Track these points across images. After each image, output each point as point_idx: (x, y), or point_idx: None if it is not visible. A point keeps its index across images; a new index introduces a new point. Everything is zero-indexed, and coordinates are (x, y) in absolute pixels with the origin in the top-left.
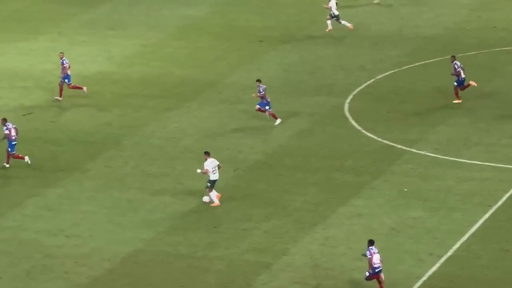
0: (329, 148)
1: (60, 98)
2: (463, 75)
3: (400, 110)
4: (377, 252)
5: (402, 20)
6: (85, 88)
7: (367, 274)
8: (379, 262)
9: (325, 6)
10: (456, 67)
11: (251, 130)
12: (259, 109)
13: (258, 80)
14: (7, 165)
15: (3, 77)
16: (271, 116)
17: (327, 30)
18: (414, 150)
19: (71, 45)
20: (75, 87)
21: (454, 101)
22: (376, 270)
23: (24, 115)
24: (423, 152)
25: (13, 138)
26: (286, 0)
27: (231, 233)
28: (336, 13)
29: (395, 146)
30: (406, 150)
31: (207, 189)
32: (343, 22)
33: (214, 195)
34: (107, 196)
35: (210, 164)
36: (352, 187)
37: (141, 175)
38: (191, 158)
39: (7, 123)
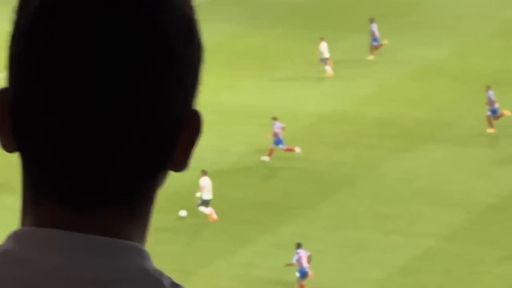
0: None
1: None
2: (496, 105)
3: None
4: (304, 256)
5: None
6: None
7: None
8: (307, 265)
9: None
10: (489, 97)
11: (486, 173)
12: (286, 149)
13: (274, 118)
14: None
15: (238, 114)
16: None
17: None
18: None
19: (306, 83)
20: None
21: (487, 130)
22: (305, 270)
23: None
24: None
25: None
26: None
27: (463, 276)
28: (327, 56)
29: None
30: None
31: (198, 206)
32: (328, 67)
33: (205, 210)
34: (338, 235)
35: (206, 182)
36: None
37: (373, 215)
38: (424, 199)
39: None
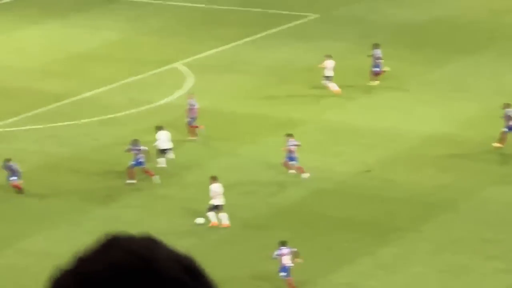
0: None
1: (194, 138)
2: (511, 123)
3: None
4: (288, 254)
5: None
6: (201, 128)
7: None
8: (290, 263)
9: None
10: (506, 114)
11: None
12: (285, 164)
13: (290, 135)
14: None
15: (344, 133)
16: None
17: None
18: None
19: (413, 103)
20: (192, 127)
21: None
22: (287, 269)
23: (365, 171)
24: None
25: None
26: None
27: None
28: (330, 74)
29: None
30: None
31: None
32: (331, 85)
33: (211, 215)
34: (440, 259)
35: (215, 188)
36: None
37: (476, 240)
38: None
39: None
